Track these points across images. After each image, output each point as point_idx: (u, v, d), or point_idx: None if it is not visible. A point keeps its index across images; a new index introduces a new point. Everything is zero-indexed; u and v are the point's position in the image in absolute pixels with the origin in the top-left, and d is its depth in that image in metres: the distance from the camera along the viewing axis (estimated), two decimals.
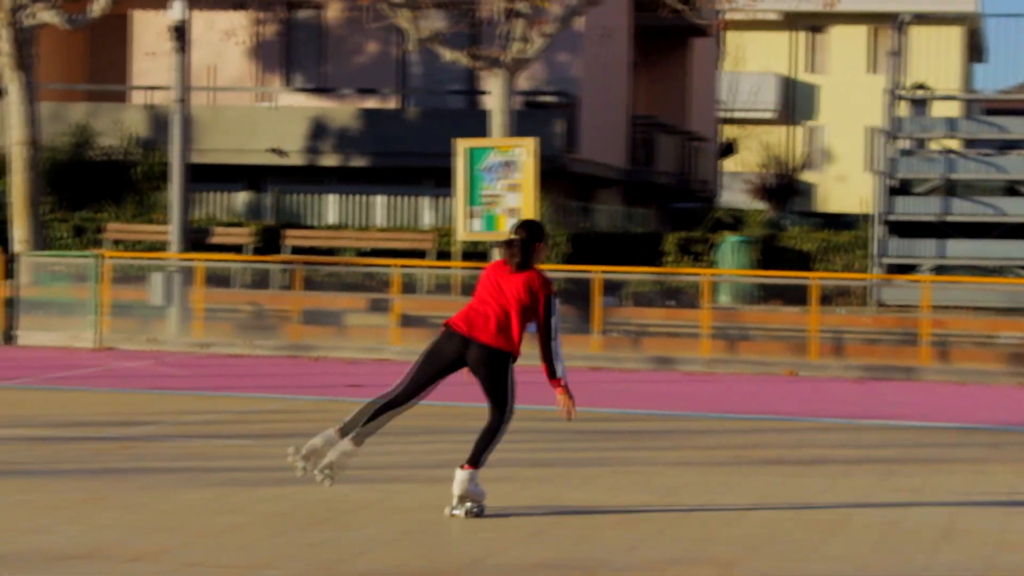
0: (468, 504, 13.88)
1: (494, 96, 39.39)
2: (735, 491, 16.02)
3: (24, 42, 38.88)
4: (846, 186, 70.69)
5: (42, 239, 39.60)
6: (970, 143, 44.15)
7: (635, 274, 36.48)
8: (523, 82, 42.35)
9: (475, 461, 14.09)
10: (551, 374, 14.28)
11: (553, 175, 41.77)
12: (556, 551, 12.48)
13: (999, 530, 14.13)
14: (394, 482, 15.99)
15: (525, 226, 14.57)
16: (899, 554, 12.64)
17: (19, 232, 38.98)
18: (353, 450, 14.10)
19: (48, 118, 43.08)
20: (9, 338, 34.59)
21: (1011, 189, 42.10)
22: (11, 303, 34.99)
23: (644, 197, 54.63)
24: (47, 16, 39.16)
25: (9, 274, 35.08)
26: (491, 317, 13.90)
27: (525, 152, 36.13)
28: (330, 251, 41.69)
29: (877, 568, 12.06)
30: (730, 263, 40.08)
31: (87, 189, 44.85)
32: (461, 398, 21.25)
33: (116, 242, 41.05)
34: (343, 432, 14.01)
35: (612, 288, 35.06)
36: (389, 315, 34.86)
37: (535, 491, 15.71)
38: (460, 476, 13.93)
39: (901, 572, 12.03)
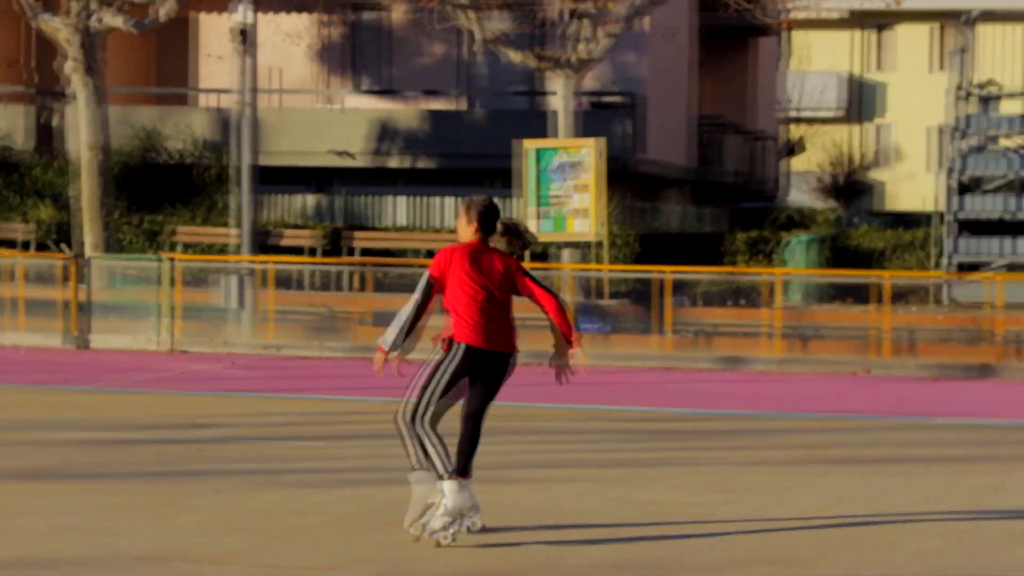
0: (466, 521, 12.50)
1: (559, 97, 39.46)
2: (809, 490, 15.95)
3: (91, 46, 39.09)
4: (913, 184, 70.60)
5: (112, 243, 39.82)
6: None
7: (704, 274, 36.54)
8: (588, 82, 42.43)
9: (464, 470, 12.67)
10: (574, 329, 13.10)
11: (619, 175, 41.82)
12: (631, 552, 12.49)
13: None
14: None
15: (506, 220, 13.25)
16: (976, 553, 12.59)
17: (90, 236, 39.21)
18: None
19: (115, 122, 43.25)
20: (82, 342, 34.81)
21: None
22: (83, 307, 35.18)
23: (710, 196, 54.68)
24: (114, 20, 39.36)
25: (81, 278, 35.28)
26: (503, 322, 12.61)
27: (591, 152, 36.23)
28: (398, 252, 41.86)
29: (954, 567, 12.03)
30: (798, 262, 40.16)
31: (156, 192, 45.10)
32: (530, 399, 21.36)
33: (186, 245, 41.31)
34: (460, 472, 12.55)
35: (680, 288, 35.09)
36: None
37: (607, 492, 15.65)
38: (449, 487, 12.42)
39: (978, 571, 11.99)
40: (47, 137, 48.44)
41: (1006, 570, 12.04)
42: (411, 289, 39.06)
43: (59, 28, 39.31)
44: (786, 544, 12.92)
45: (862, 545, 12.89)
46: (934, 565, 12.12)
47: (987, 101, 45.25)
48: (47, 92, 48.66)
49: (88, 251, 38.32)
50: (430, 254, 40.95)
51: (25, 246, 41.91)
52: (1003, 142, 43.83)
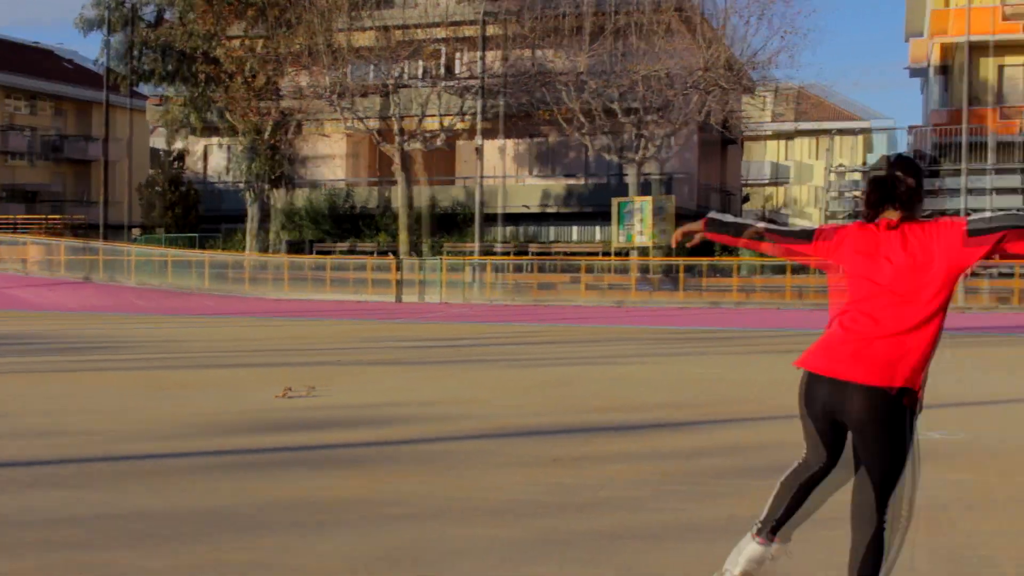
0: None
1: (630, 176, 39.45)
2: (752, 366, 15.73)
3: (404, 158, 39.56)
4: (805, 215, 69.90)
5: (414, 251, 40.22)
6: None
7: (701, 261, 36.38)
8: (645, 168, 42.20)
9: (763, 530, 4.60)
10: None
11: (659, 214, 41.59)
12: (682, 398, 12.16)
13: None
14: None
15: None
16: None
17: (402, 247, 39.69)
18: (779, 551, 4.60)
19: (416, 194, 43.62)
20: (399, 298, 35.17)
21: None
22: (399, 282, 35.57)
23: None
24: (415, 146, 39.85)
25: (399, 268, 35.66)
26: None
27: (645, 203, 36.27)
28: (551, 253, 41.86)
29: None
30: (746, 255, 39.96)
31: (437, 227, 45.42)
32: (600, 323, 21.13)
33: (449, 252, 41.64)
34: (761, 532, 4.59)
35: (688, 268, 34.96)
36: (580, 284, 34.96)
37: (665, 367, 15.38)
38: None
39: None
40: (384, 201, 48.91)
41: None
42: (556, 270, 38.96)
43: (389, 149, 39.82)
44: (747, 391, 12.71)
45: (782, 391, 12.51)
46: None
47: (840, 174, 44.82)
48: (385, 180, 49.13)
49: (402, 255, 38.73)
50: (566, 253, 41.10)
51: (371, 253, 42.36)
52: (847, 195, 43.44)
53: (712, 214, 5.25)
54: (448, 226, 46.05)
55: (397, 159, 39.58)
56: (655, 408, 11.48)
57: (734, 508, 6.95)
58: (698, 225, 5.22)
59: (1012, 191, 41.44)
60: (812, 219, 60.98)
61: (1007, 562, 5.74)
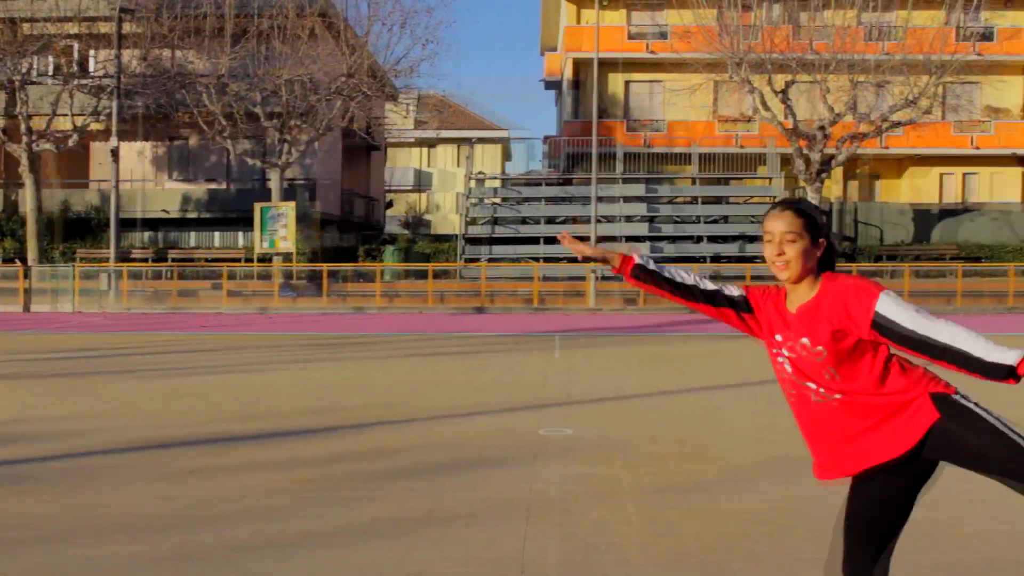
0: None
1: (273, 181, 39.07)
2: (395, 370, 15.85)
3: (33, 159, 37.53)
4: (447, 221, 71.40)
5: (44, 258, 38.27)
6: (504, 199, 45.05)
7: (345, 267, 36.50)
8: (288, 174, 41.90)
9: None
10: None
11: (303, 219, 41.40)
12: (333, 401, 12.18)
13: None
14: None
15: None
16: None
17: (31, 254, 37.65)
18: None
19: (47, 197, 41.49)
20: (27, 308, 33.31)
21: (523, 220, 43.14)
22: (28, 291, 33.69)
23: (349, 228, 54.27)
24: (45, 146, 37.90)
25: (27, 276, 33.77)
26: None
27: (289, 209, 36.12)
28: (192, 259, 40.82)
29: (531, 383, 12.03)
30: (390, 259, 40.36)
31: (69, 232, 43.43)
32: (264, 330, 20.77)
33: (83, 259, 39.74)
34: None
35: (332, 274, 35.02)
36: (222, 291, 34.27)
37: (313, 374, 15.31)
38: None
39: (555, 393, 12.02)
40: (10, 204, 46.23)
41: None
42: (198, 277, 38.01)
43: (17, 150, 37.69)
44: (383, 394, 12.66)
45: (426, 393, 12.88)
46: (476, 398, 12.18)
47: (479, 181, 46.16)
48: (11, 182, 46.40)
49: (30, 262, 36.77)
50: (208, 260, 40.19)
51: None
52: (487, 201, 44.77)
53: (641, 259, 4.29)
54: (82, 231, 44.02)
55: (25, 160, 37.48)
56: (297, 415, 11.40)
57: (377, 511, 7.06)
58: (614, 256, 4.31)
59: (638, 199, 44.09)
60: (454, 225, 62.45)
61: (632, 547, 6.12)
